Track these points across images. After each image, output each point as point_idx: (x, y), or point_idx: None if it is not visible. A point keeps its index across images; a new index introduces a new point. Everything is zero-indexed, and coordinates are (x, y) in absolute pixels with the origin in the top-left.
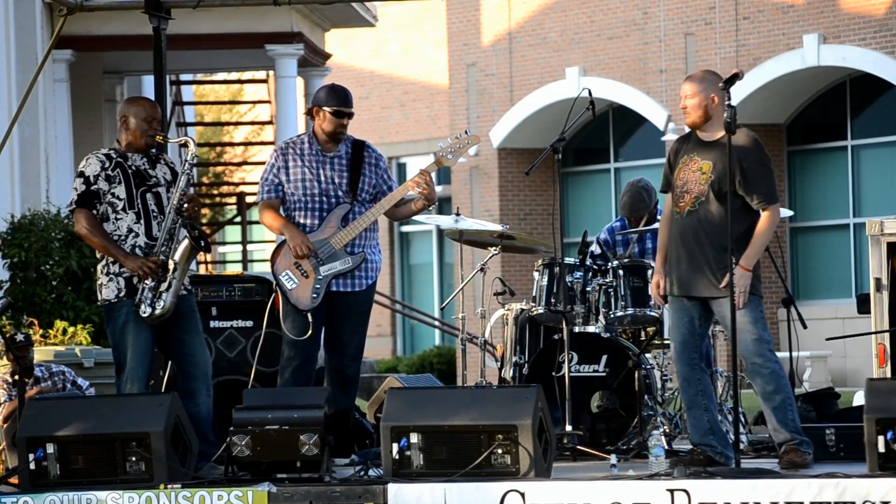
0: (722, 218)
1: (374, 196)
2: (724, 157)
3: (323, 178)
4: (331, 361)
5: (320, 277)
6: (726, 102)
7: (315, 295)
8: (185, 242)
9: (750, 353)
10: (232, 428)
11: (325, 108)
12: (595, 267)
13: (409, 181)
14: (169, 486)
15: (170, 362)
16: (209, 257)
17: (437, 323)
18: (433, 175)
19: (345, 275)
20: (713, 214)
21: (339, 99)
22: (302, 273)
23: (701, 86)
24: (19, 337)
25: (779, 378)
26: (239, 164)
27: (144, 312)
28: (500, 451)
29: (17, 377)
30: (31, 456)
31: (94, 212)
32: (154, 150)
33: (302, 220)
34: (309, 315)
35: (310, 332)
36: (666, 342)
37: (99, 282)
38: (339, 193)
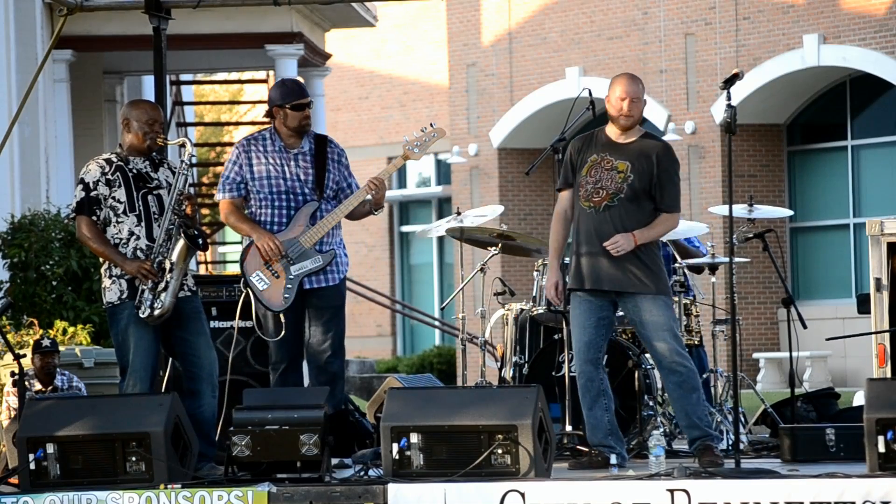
0: (640, 215)
1: (336, 193)
2: (641, 158)
3: (288, 175)
4: (312, 360)
5: (291, 277)
6: (726, 102)
7: (287, 295)
8: (182, 242)
9: (671, 350)
10: (232, 428)
11: (286, 106)
12: None
13: (365, 186)
14: (169, 486)
15: (171, 362)
16: (209, 257)
17: (437, 323)
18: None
19: (316, 272)
20: (633, 211)
21: (294, 93)
22: (273, 273)
23: (642, 89)
24: (45, 342)
25: (695, 376)
26: None
27: (144, 314)
28: (500, 451)
29: (17, 377)
30: (31, 456)
31: (95, 217)
32: (156, 154)
33: (268, 219)
34: (281, 315)
35: (283, 332)
36: None
37: (102, 285)
38: (306, 191)
